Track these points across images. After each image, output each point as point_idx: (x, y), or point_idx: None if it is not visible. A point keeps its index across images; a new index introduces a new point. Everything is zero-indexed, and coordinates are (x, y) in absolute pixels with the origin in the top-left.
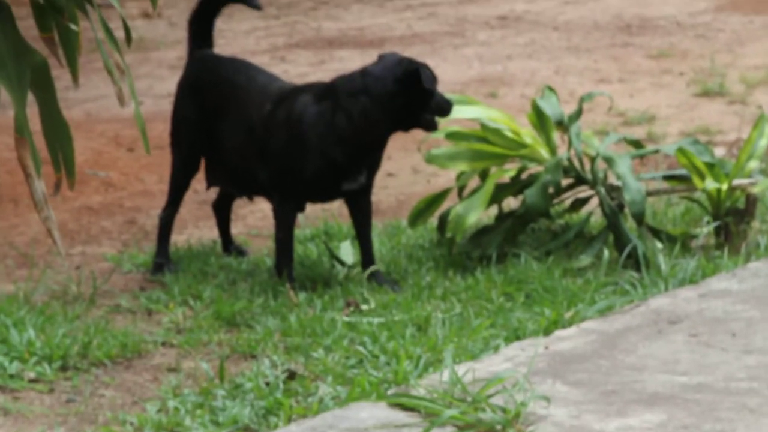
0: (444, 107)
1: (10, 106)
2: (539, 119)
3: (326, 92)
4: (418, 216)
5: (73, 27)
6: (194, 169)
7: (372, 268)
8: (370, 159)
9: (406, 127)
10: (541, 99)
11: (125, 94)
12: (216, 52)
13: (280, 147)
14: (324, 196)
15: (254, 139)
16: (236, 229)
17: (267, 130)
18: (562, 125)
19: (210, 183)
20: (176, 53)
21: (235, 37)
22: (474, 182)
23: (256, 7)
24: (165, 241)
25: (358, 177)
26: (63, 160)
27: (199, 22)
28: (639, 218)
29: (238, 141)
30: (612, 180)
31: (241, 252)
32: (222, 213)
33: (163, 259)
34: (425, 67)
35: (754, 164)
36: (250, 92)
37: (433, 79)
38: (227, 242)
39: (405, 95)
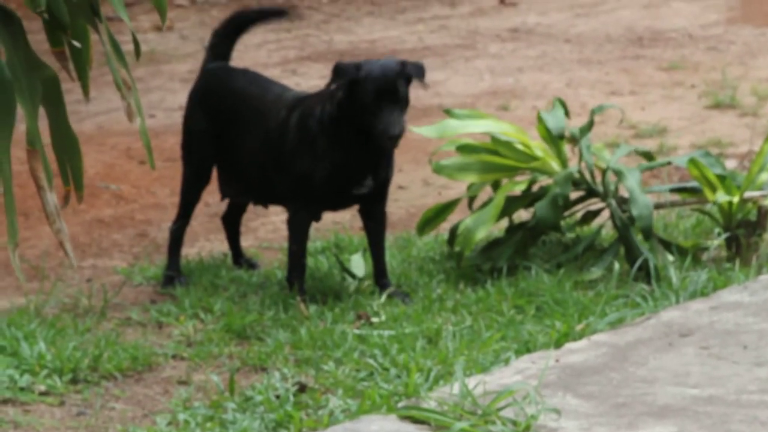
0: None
1: (21, 120)
2: (549, 132)
3: (330, 98)
4: (427, 224)
5: (76, 44)
6: (205, 182)
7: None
8: (374, 162)
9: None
10: (546, 112)
11: (133, 109)
12: (228, 65)
13: (291, 153)
14: (336, 202)
15: (270, 147)
16: (247, 242)
17: (282, 137)
18: (565, 138)
19: (224, 194)
20: (188, 66)
21: (247, 49)
22: (485, 194)
23: (284, 13)
24: (176, 253)
25: (364, 181)
26: (72, 174)
27: (224, 37)
28: (646, 233)
29: (255, 149)
30: (623, 192)
31: (251, 265)
32: (231, 226)
33: (173, 272)
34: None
35: (765, 176)
36: (265, 101)
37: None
38: (237, 255)
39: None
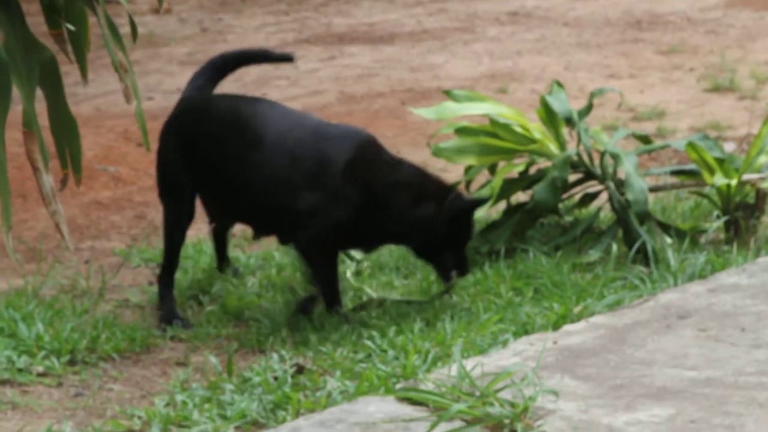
0: None
1: (19, 101)
2: (548, 115)
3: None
4: None
5: (70, 27)
6: (189, 218)
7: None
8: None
9: None
10: (549, 95)
11: (130, 92)
12: (210, 93)
13: (307, 191)
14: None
15: (281, 180)
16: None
17: (301, 174)
18: (571, 122)
19: (213, 219)
20: (186, 49)
21: (245, 32)
22: (483, 177)
23: (290, 59)
24: (169, 299)
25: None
26: (70, 156)
27: (215, 70)
28: (642, 218)
29: (254, 178)
30: (622, 175)
31: (235, 271)
32: (219, 237)
33: (170, 315)
34: None
35: (764, 159)
36: (271, 128)
37: None
38: (222, 261)
39: None
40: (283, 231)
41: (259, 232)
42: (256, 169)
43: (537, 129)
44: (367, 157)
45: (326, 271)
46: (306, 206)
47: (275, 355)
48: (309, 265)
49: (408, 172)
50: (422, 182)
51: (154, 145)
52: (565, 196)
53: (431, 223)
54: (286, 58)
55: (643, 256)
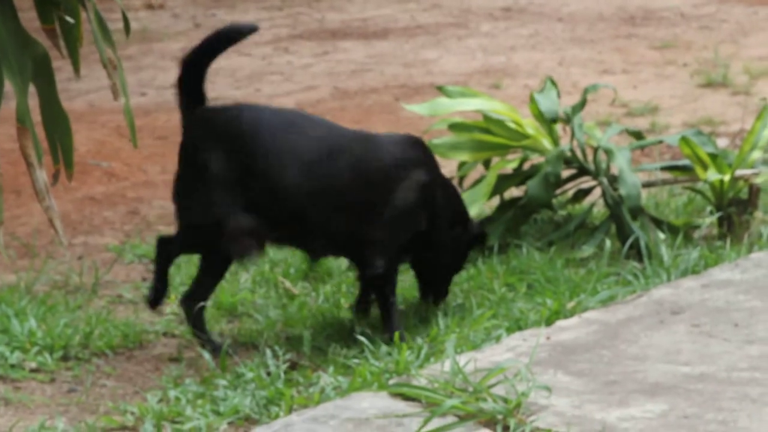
0: None
1: (12, 97)
2: (541, 114)
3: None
4: None
5: (69, 20)
6: None
7: None
8: None
9: None
10: (539, 93)
11: (118, 88)
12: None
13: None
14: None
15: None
16: None
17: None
18: (557, 121)
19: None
20: (179, 44)
21: None
22: (476, 172)
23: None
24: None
25: None
26: (62, 152)
27: (196, 68)
28: (634, 213)
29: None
30: (615, 171)
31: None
32: (166, 261)
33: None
34: None
35: (757, 155)
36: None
37: None
38: (161, 295)
39: None
40: (346, 253)
41: (316, 256)
42: (324, 194)
43: (530, 125)
44: (432, 169)
45: (394, 303)
46: (383, 233)
47: (268, 351)
48: (380, 294)
49: (451, 190)
50: (458, 204)
51: (143, 141)
52: (558, 191)
53: (459, 247)
54: (251, 28)
55: (636, 252)
